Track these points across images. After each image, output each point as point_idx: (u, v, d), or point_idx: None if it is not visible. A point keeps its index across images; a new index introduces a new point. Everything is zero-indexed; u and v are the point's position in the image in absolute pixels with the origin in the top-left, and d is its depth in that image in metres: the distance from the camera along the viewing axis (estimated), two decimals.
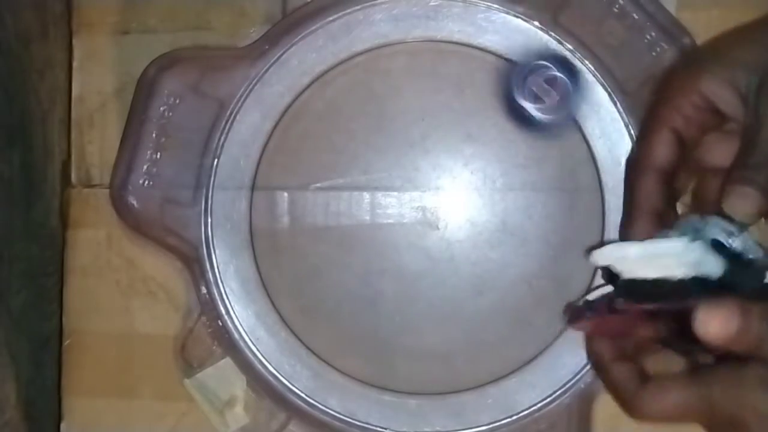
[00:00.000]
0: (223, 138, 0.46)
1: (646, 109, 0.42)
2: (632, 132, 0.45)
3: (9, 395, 0.46)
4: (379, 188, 0.47)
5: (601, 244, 0.43)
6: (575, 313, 0.42)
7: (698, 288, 0.37)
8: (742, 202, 0.36)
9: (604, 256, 0.39)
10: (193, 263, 0.46)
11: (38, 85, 0.48)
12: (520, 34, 0.45)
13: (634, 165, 0.41)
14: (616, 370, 0.40)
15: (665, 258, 0.37)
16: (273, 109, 0.46)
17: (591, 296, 0.43)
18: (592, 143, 0.45)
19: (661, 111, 0.40)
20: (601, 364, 0.41)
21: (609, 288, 0.42)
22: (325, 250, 0.47)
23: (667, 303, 0.37)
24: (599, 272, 0.45)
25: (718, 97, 0.38)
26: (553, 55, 0.45)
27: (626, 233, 0.41)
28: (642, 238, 0.39)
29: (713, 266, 0.37)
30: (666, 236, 0.38)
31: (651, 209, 0.40)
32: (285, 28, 0.46)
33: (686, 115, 0.39)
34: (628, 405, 0.39)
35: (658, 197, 0.40)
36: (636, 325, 0.40)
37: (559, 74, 0.45)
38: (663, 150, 0.40)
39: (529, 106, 0.45)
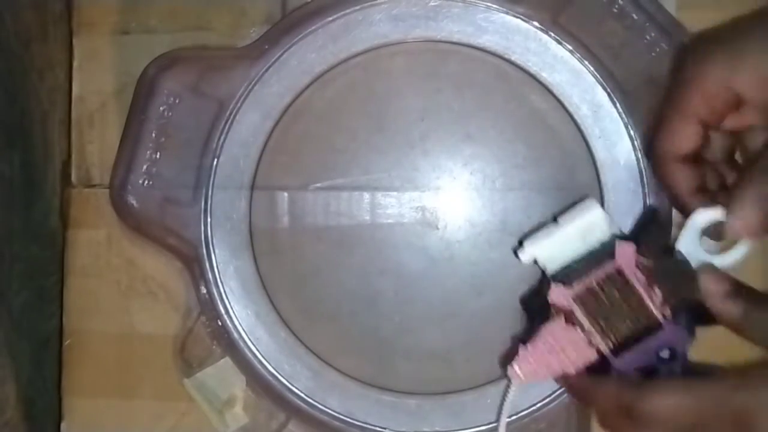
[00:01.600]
0: (222, 138, 0.46)
1: (666, 92, 0.42)
2: (632, 132, 0.45)
3: (9, 395, 0.46)
4: (379, 188, 0.47)
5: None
6: (515, 350, 0.42)
7: (603, 252, 0.41)
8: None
9: (526, 254, 0.42)
10: (193, 263, 0.46)
11: (38, 85, 0.48)
12: (520, 34, 0.45)
13: (660, 155, 0.41)
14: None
15: (568, 242, 0.42)
16: (273, 109, 0.46)
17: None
18: (591, 143, 0.45)
19: (685, 100, 0.40)
20: None
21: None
22: (325, 250, 0.47)
23: (591, 273, 0.40)
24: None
25: (746, 86, 0.38)
26: None
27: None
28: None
29: (602, 232, 0.41)
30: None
31: (693, 190, 0.41)
32: (285, 28, 0.46)
33: (713, 105, 0.39)
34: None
35: (694, 179, 0.41)
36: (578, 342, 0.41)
37: None
38: (690, 141, 0.40)
39: None
